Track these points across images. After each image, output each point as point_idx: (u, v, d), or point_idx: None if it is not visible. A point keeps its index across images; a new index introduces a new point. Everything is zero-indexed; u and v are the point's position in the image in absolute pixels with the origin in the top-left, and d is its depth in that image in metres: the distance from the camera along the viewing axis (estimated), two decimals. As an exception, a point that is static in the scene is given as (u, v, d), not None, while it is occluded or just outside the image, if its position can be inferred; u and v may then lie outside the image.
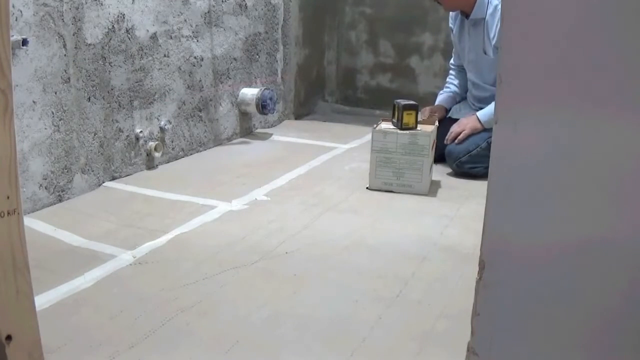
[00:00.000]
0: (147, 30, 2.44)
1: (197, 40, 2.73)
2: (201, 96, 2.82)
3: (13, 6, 1.83)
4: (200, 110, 2.83)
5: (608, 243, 0.72)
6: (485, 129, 2.47)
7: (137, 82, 2.43)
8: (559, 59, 0.69)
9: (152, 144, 2.51)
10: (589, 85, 0.69)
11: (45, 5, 1.97)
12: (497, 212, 0.77)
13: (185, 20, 2.63)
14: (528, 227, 0.76)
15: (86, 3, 2.13)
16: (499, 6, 2.32)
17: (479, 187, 2.36)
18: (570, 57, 0.69)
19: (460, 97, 2.86)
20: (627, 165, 0.69)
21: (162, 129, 2.59)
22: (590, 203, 0.72)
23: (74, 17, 2.09)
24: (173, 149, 2.70)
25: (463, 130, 2.52)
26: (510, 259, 0.77)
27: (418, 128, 2.33)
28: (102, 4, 2.20)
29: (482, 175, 2.43)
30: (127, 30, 2.33)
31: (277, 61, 3.40)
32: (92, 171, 2.28)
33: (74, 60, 2.12)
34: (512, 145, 0.74)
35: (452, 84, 2.90)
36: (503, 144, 0.74)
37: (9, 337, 0.92)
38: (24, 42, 1.87)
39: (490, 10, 2.49)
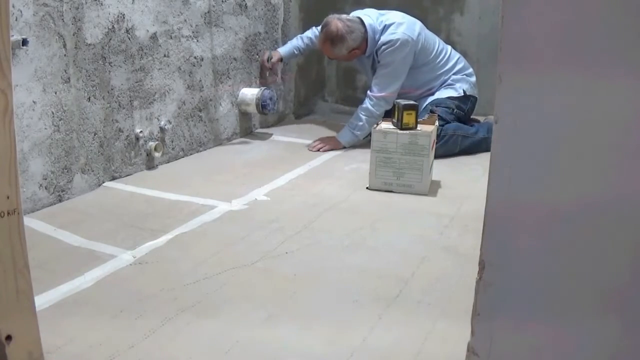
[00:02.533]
0: (147, 30, 2.44)
1: (197, 40, 2.73)
2: (201, 96, 2.82)
3: (13, 6, 1.83)
4: (200, 110, 2.83)
5: (609, 242, 0.72)
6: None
7: (137, 82, 2.43)
8: (557, 57, 0.70)
9: (152, 144, 2.51)
10: (589, 69, 0.69)
11: (45, 5, 1.97)
12: (497, 211, 0.77)
13: (185, 20, 2.63)
14: (528, 227, 0.76)
15: (86, 3, 2.13)
16: (383, 47, 2.83)
17: (479, 187, 2.36)
18: (568, 54, 0.69)
19: (299, 52, 3.26)
20: (629, 162, 0.69)
21: (162, 129, 2.59)
22: (591, 203, 0.72)
23: (74, 17, 2.09)
24: (173, 149, 2.70)
25: (325, 145, 2.92)
26: (510, 259, 0.77)
27: (418, 128, 2.33)
28: (102, 4, 2.20)
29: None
30: (127, 30, 2.33)
31: (277, 61, 3.39)
32: (92, 171, 2.28)
33: (74, 60, 2.12)
34: (512, 144, 0.74)
35: (302, 38, 3.22)
36: (503, 144, 0.74)
37: (9, 337, 0.92)
38: (24, 42, 1.87)
39: (378, 46, 2.87)
